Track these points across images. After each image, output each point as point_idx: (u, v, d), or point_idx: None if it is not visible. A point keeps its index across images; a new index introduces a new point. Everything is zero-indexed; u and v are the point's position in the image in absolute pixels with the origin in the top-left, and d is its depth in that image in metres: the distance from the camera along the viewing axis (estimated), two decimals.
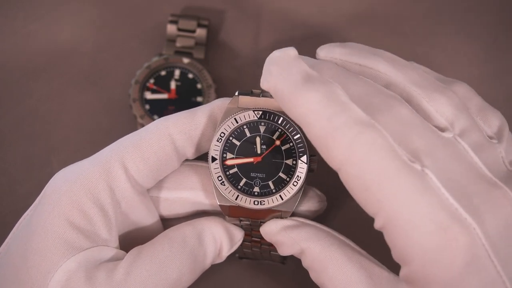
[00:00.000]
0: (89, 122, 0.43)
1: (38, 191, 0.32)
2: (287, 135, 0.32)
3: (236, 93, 0.33)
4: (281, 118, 0.32)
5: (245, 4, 0.47)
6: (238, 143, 0.32)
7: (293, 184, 0.31)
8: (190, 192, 0.34)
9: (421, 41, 0.46)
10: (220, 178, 0.31)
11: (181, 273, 0.31)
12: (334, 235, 0.32)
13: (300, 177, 0.31)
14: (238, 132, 0.32)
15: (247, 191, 0.31)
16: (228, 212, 0.32)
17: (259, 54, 0.46)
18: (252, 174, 0.32)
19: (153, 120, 0.41)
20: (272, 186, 0.31)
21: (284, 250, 0.32)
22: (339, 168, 0.27)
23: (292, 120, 0.32)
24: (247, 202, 0.31)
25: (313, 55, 0.46)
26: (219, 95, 0.42)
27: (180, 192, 0.34)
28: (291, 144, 0.32)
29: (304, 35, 0.46)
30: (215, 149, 0.32)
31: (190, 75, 0.42)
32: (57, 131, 0.43)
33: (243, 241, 0.33)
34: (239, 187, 0.32)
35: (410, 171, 0.26)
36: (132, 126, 0.42)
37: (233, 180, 0.32)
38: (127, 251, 0.32)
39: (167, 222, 0.35)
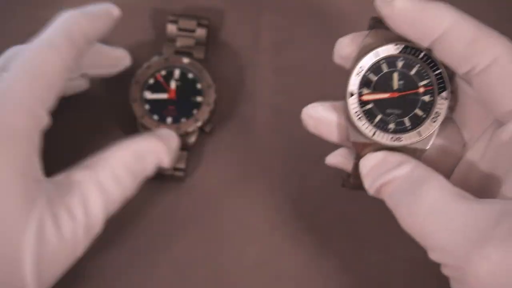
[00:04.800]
0: (89, 122, 0.43)
1: None
2: (426, 72, 0.31)
3: (371, 23, 0.32)
4: (422, 53, 0.31)
5: (245, 4, 0.47)
6: (375, 78, 0.31)
7: (431, 121, 0.31)
8: None
9: None
10: (357, 114, 0.31)
11: (125, 193, 0.34)
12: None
13: (439, 113, 0.31)
14: (375, 67, 0.31)
15: (382, 127, 0.31)
16: (361, 149, 0.31)
17: (259, 54, 0.46)
18: (388, 111, 0.31)
19: (153, 120, 0.41)
20: (408, 123, 0.31)
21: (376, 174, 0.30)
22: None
23: (433, 56, 0.31)
24: (384, 138, 0.30)
25: (313, 54, 0.46)
26: (219, 95, 0.42)
27: None
28: (429, 80, 0.31)
29: (304, 35, 0.46)
30: (353, 84, 0.31)
31: (190, 75, 0.42)
32: (57, 131, 0.43)
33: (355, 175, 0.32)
34: (374, 123, 0.31)
35: None
36: (132, 126, 0.42)
37: (369, 116, 0.31)
38: None
39: None
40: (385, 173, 0.29)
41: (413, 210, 0.28)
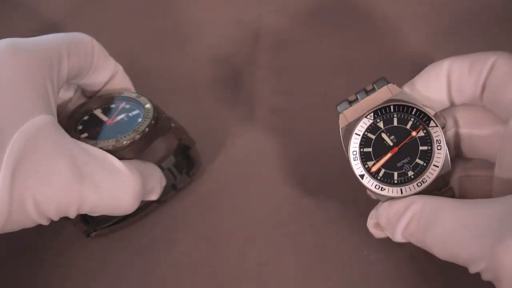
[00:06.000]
0: None
1: None
2: (405, 116, 0.32)
3: (338, 109, 0.33)
4: (392, 106, 0.32)
5: (245, 4, 0.47)
6: (370, 149, 0.32)
7: (437, 149, 0.32)
8: None
9: (421, 41, 0.46)
10: (377, 187, 0.32)
11: None
12: None
13: (440, 140, 0.32)
14: (364, 141, 0.33)
15: (403, 180, 0.32)
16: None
17: (259, 54, 0.46)
18: (399, 164, 0.32)
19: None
20: (421, 162, 0.32)
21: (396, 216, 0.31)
22: None
23: (401, 101, 0.32)
24: (411, 189, 0.31)
25: (312, 55, 0.46)
26: (219, 95, 0.42)
27: None
28: (412, 119, 0.32)
29: (304, 35, 0.46)
30: (357, 168, 0.32)
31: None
32: None
33: None
34: (395, 181, 0.32)
35: None
36: None
37: (387, 179, 0.32)
38: None
39: None
40: (399, 220, 0.31)
41: (438, 240, 0.29)
